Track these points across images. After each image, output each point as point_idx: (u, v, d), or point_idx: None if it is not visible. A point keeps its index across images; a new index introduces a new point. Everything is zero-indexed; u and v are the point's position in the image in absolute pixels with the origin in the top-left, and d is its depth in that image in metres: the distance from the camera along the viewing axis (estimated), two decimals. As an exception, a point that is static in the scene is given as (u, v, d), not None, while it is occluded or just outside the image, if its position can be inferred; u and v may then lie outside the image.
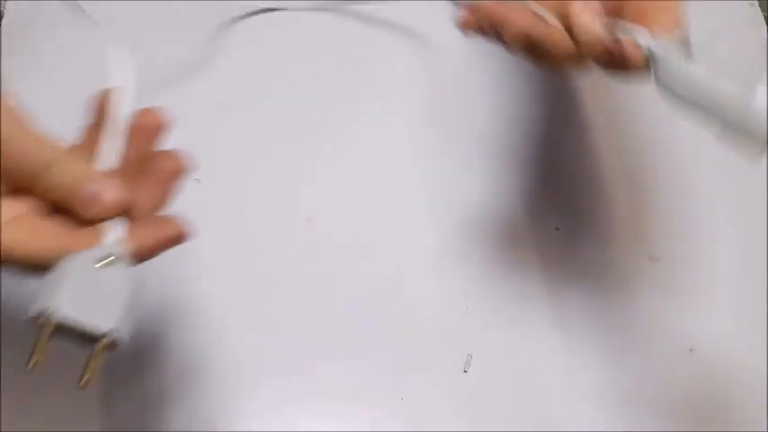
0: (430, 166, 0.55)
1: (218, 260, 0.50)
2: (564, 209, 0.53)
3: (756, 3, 0.61)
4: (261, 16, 0.59)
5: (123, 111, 0.38)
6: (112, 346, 0.34)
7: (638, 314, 0.51)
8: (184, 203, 0.37)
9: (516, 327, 0.50)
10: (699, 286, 0.52)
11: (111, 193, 0.36)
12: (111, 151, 0.37)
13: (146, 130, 0.38)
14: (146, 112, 0.38)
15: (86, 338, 0.33)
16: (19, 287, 0.47)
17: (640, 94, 0.55)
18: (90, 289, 0.33)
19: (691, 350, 0.50)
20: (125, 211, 0.36)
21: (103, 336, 0.33)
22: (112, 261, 0.34)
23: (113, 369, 0.46)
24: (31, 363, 0.32)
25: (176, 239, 0.37)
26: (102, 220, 0.36)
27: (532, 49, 0.41)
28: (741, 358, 0.50)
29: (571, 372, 0.49)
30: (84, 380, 0.33)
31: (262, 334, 0.49)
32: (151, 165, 0.37)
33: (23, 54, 0.56)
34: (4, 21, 0.56)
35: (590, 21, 0.39)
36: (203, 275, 0.50)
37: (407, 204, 0.53)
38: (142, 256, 0.36)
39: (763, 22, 0.61)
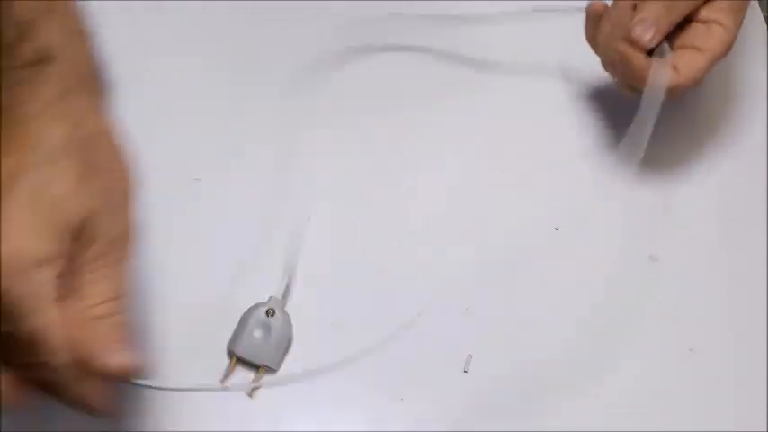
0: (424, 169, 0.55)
1: (219, 259, 0.51)
2: (564, 209, 0.53)
3: (757, 3, 0.61)
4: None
5: None
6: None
7: (638, 314, 0.51)
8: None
9: (516, 327, 0.50)
10: (699, 286, 0.52)
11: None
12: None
13: None
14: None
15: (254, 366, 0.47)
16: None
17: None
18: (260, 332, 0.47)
19: (691, 350, 0.50)
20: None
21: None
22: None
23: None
24: (225, 381, 0.47)
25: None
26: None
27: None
28: (741, 358, 0.50)
29: (571, 372, 0.49)
30: (251, 390, 0.47)
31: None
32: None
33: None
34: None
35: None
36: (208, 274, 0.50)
37: (406, 205, 0.54)
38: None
39: (763, 21, 0.61)
